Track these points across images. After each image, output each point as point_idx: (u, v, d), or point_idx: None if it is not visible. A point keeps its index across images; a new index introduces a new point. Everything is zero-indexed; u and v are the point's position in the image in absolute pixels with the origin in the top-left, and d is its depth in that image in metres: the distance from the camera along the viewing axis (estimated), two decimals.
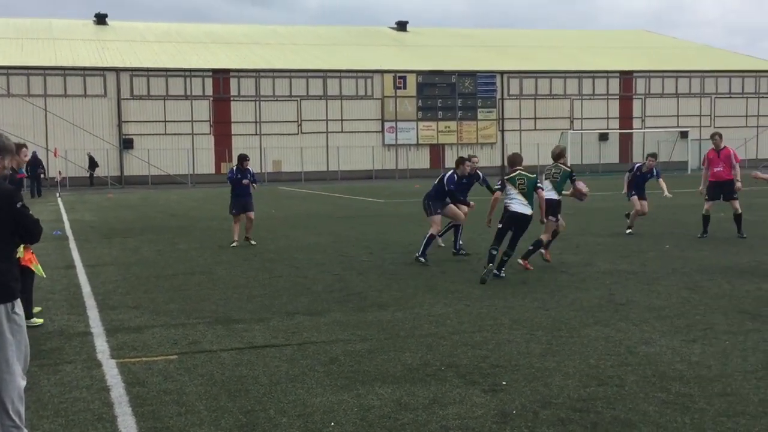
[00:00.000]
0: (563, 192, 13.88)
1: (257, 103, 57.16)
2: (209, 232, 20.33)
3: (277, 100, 57.70)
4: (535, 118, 62.35)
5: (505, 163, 14.75)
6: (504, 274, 12.26)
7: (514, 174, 12.61)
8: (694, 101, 65.34)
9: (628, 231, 17.92)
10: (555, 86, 63.00)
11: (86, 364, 7.58)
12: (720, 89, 65.95)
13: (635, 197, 18.05)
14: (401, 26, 74.57)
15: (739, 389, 6.44)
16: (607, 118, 63.93)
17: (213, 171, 56.05)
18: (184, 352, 7.95)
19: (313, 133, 58.25)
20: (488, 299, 10.48)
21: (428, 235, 14.30)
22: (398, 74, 59.87)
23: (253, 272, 13.27)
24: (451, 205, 14.94)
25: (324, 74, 58.74)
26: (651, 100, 64.77)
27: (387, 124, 59.73)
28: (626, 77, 64.41)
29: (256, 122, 57.15)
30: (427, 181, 51.56)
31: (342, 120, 58.99)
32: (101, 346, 8.30)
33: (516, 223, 12.48)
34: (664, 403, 6.15)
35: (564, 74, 63.17)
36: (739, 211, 16.91)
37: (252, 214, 17.43)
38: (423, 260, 14.00)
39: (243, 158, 17.60)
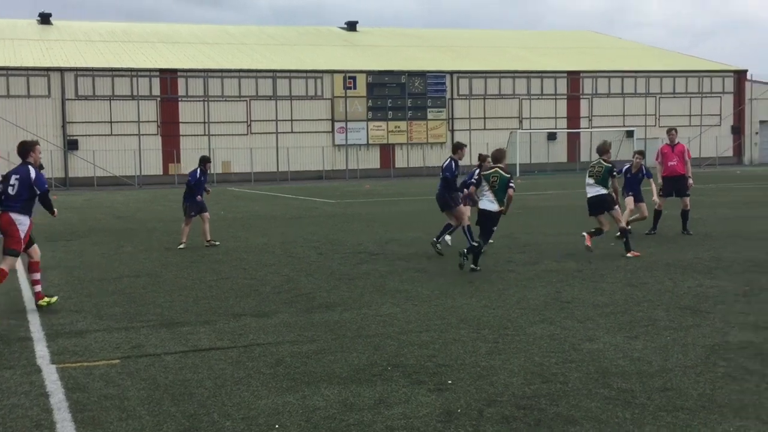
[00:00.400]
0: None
1: (206, 103, 56.68)
2: (156, 234, 20.09)
3: (226, 100, 57.30)
4: (485, 118, 62.81)
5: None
6: (472, 265, 12.67)
7: (490, 171, 12.96)
8: (639, 101, 66.41)
9: (628, 227, 16.27)
10: (504, 86, 63.53)
11: (25, 370, 7.42)
12: (664, 89, 67.13)
13: (630, 197, 17.03)
14: (351, 26, 74.61)
15: (679, 384, 6.53)
16: (555, 117, 64.66)
17: (161, 172, 55.47)
18: (126, 357, 7.84)
19: (263, 133, 57.96)
20: (436, 299, 10.51)
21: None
22: (348, 74, 59.85)
23: (200, 274, 13.14)
24: (460, 207, 14.97)
25: (273, 74, 58.47)
26: (598, 99, 65.66)
27: (337, 125, 59.69)
28: (573, 77, 65.20)
29: (204, 123, 56.66)
30: (378, 181, 51.80)
31: (292, 120, 58.78)
32: (41, 351, 8.14)
33: (484, 219, 12.90)
34: (606, 399, 6.22)
35: (512, 74, 63.73)
36: (688, 207, 17.20)
37: (208, 215, 17.36)
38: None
39: (207, 160, 17.55)
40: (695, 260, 13.34)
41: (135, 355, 7.88)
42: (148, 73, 55.79)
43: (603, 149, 14.75)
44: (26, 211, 10.22)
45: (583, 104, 65.42)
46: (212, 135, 56.30)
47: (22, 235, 10.17)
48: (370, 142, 60.63)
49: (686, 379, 6.67)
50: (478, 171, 14.64)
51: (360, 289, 11.42)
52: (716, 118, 67.71)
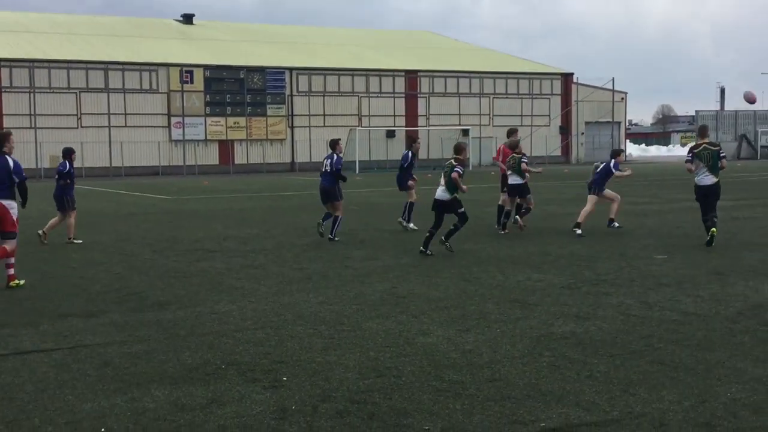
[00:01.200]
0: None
1: (32, 95, 54.00)
2: None
3: (53, 92, 54.82)
4: (324, 115, 63.01)
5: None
6: (430, 252, 13.88)
7: (447, 162, 14.39)
8: (474, 101, 68.50)
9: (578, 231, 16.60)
10: (343, 84, 63.95)
11: None
12: (498, 90, 69.55)
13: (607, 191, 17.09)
14: (188, 19, 72.98)
15: (507, 374, 6.76)
16: (394, 115, 65.70)
17: None
18: None
19: (94, 127, 55.86)
20: (273, 296, 10.43)
21: (337, 218, 16.32)
22: (185, 68, 58.55)
23: (24, 274, 12.43)
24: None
25: (105, 66, 56.43)
26: (435, 98, 67.23)
27: (174, 119, 58.29)
28: (411, 76, 66.46)
29: (30, 115, 53.99)
30: (217, 178, 50.95)
31: (125, 114, 56.93)
32: None
33: (437, 208, 14.16)
34: (438, 391, 6.35)
35: (352, 72, 64.25)
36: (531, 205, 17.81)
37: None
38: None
39: (72, 151, 17.02)
40: (525, 255, 13.87)
41: None
42: None
43: (513, 144, 17.55)
44: (12, 196, 11.33)
45: (421, 103, 66.82)
46: (39, 128, 53.72)
47: (15, 218, 11.33)
48: (209, 137, 59.58)
49: (513, 369, 6.92)
50: (410, 154, 18.10)
51: (195, 286, 11.18)
52: (546, 119, 70.84)
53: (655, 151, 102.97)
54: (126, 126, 56.81)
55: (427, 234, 14.17)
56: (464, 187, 13.98)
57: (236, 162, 59.78)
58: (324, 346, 7.80)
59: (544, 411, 5.85)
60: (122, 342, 8.03)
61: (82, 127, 55.53)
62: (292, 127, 62.12)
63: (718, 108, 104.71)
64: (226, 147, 59.98)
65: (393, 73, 65.77)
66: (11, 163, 11.30)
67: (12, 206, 11.31)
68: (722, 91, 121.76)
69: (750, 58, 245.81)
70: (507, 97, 69.76)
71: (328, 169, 16.35)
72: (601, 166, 17.31)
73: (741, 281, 10.97)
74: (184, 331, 8.48)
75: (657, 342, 7.77)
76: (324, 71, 63.20)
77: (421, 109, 66.78)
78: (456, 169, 13.93)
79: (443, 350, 7.57)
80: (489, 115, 68.95)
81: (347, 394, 6.29)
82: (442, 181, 14.10)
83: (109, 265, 13.35)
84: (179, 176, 54.66)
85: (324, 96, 63.06)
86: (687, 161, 14.87)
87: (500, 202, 17.77)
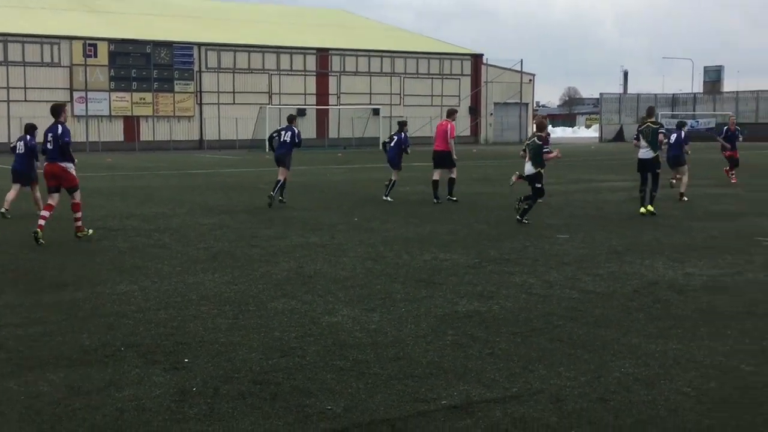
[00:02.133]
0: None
1: None
2: None
3: None
4: (234, 92, 62.14)
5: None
6: (527, 221, 15.02)
7: (530, 140, 15.46)
8: (385, 80, 68.56)
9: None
10: (253, 61, 63.12)
11: None
12: (408, 69, 69.75)
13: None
14: None
15: (411, 353, 6.81)
16: (305, 94, 65.23)
17: None
18: None
19: None
20: (177, 275, 10.26)
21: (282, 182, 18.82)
22: (88, 41, 56.82)
23: None
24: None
25: (5, 38, 54.31)
26: (346, 77, 67.00)
27: (76, 94, 56.58)
28: (323, 54, 66.07)
29: None
30: (121, 155, 49.74)
31: (26, 88, 54.98)
32: None
33: (527, 179, 15.27)
34: (342, 370, 6.35)
35: (262, 49, 63.46)
36: (454, 176, 19.39)
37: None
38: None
39: (35, 127, 17.51)
40: (432, 234, 13.98)
41: None
42: None
43: (542, 125, 16.74)
44: (68, 159, 13.07)
45: (332, 81, 66.52)
46: None
47: (74, 174, 13.18)
48: (113, 113, 58.08)
49: (417, 348, 6.97)
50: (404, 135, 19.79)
51: (96, 266, 10.90)
52: (456, 99, 71.37)
53: (561, 132, 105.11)
54: (26, 101, 54.86)
55: (525, 206, 15.21)
56: (553, 155, 15.35)
57: (142, 139, 58.49)
58: (228, 326, 7.71)
59: (445, 389, 5.91)
60: (17, 324, 7.78)
61: None
62: (200, 104, 61.07)
63: (621, 91, 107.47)
64: (131, 123, 58.60)
65: (304, 51, 65.25)
66: (59, 131, 12.88)
67: (69, 167, 13.07)
68: (626, 74, 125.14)
69: (653, 42, 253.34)
70: (417, 77, 70.06)
71: (287, 140, 19.26)
72: (673, 137, 19.68)
73: (638, 260, 11.31)
74: (83, 313, 8.26)
75: (557, 320, 7.94)
76: (234, 47, 62.24)
77: (332, 87, 66.49)
78: (546, 149, 15.20)
79: (348, 329, 7.58)
80: (399, 94, 69.15)
81: (250, 375, 6.23)
82: (527, 156, 15.16)
83: (3, 244, 12.91)
84: (82, 153, 53.06)
85: (234, 73, 62.16)
86: (635, 138, 16.74)
87: (435, 177, 19.35)
